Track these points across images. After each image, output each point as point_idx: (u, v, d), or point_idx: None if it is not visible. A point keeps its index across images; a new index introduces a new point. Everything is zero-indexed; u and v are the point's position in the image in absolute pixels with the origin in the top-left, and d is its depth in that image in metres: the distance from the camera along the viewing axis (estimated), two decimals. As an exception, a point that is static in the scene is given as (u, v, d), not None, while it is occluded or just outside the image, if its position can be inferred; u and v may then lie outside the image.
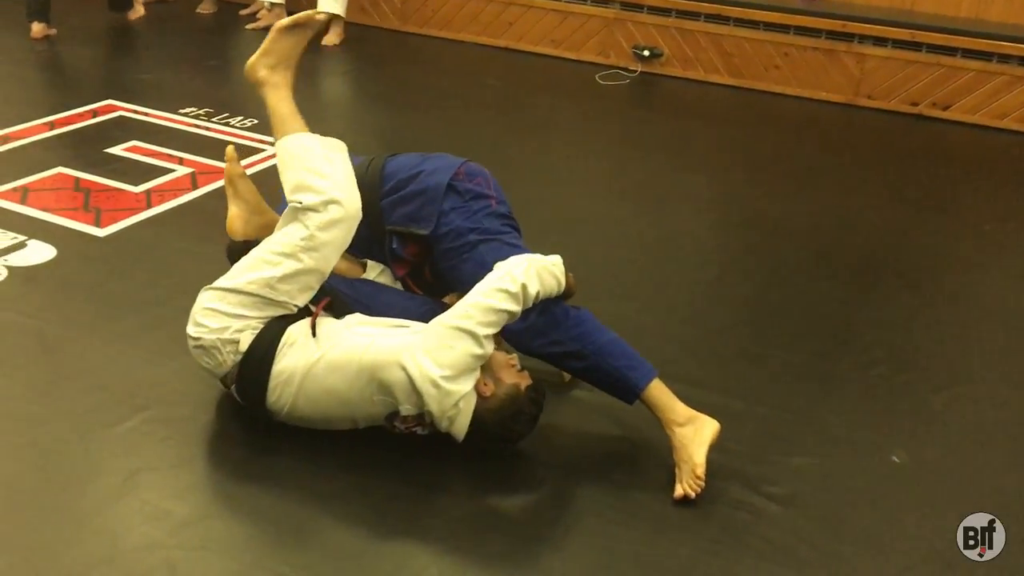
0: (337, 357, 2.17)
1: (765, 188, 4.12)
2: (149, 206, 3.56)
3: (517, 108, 4.97)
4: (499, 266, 2.25)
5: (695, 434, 2.22)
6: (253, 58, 2.41)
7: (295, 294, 2.24)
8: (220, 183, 3.77)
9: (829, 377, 2.77)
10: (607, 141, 4.66)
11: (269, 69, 2.39)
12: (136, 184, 3.72)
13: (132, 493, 2.17)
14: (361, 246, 2.42)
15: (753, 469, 2.36)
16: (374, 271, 2.52)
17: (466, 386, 2.13)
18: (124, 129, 4.27)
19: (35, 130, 4.18)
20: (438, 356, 2.11)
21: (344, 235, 2.26)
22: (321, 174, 2.26)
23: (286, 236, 2.24)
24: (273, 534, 2.10)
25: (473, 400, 2.17)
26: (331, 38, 5.65)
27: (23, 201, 3.52)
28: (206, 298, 2.26)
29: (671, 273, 3.35)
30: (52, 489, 2.19)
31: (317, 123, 2.46)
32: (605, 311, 2.46)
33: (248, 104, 4.63)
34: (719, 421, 2.30)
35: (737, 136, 4.76)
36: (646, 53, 5.43)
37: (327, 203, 2.22)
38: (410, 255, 2.45)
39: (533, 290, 2.20)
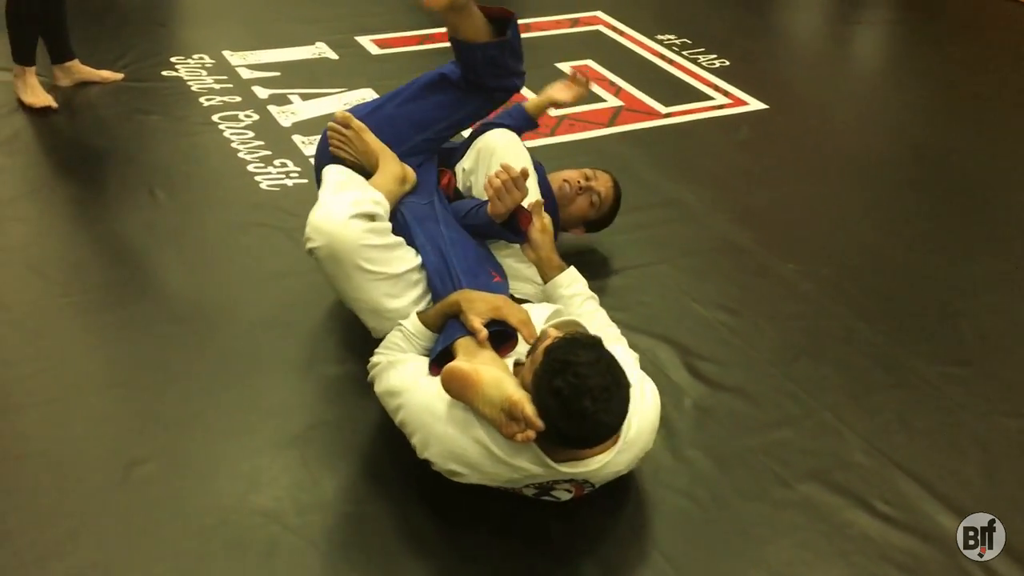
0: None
1: None
2: (552, 134, 3.26)
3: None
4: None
5: None
6: None
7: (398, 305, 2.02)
8: (637, 125, 3.33)
9: None
10: None
11: None
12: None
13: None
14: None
15: None
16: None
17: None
18: (590, 46, 3.97)
19: (509, 31, 4.08)
20: None
21: (330, 255, 1.98)
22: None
23: None
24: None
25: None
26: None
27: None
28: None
29: None
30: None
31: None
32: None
33: (731, 42, 4.04)
34: None
35: None
36: None
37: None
38: None
39: None
